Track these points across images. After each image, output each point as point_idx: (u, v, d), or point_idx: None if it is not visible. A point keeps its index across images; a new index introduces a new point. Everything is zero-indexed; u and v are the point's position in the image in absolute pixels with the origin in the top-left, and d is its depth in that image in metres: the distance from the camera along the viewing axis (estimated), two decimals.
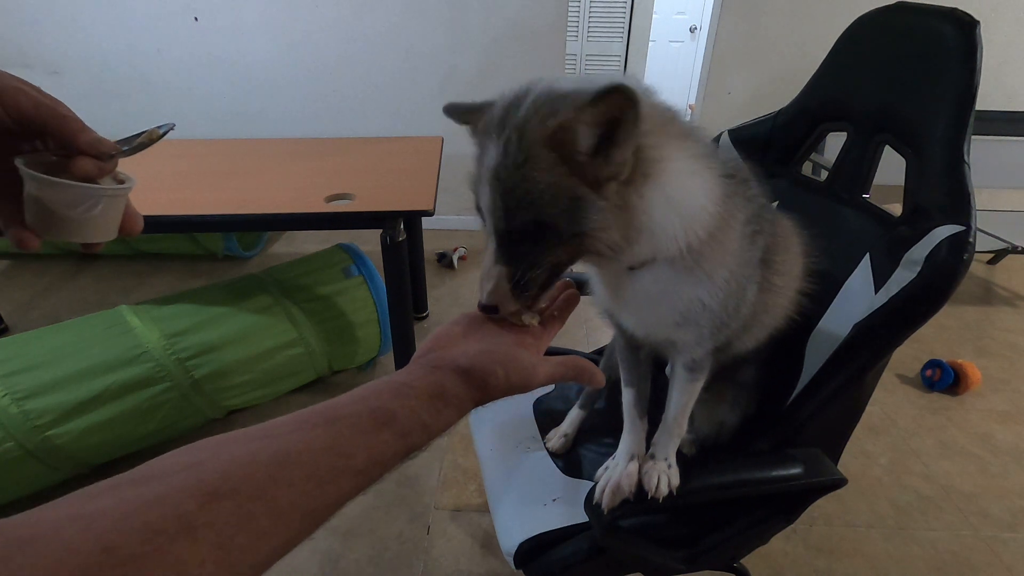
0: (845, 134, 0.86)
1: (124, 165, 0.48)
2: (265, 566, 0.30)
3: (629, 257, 0.56)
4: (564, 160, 0.48)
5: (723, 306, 0.63)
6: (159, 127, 0.50)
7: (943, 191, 0.68)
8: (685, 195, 0.55)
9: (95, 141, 0.43)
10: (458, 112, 0.59)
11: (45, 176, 0.41)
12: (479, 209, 0.54)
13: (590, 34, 5.37)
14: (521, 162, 0.48)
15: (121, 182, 0.47)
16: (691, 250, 0.57)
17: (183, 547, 0.25)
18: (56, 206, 0.43)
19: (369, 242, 1.78)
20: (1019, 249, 2.24)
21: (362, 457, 0.35)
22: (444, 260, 2.67)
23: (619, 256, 0.54)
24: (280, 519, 0.30)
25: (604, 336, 1.01)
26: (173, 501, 0.27)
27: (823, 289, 0.80)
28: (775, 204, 0.94)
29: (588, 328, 2.18)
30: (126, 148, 0.46)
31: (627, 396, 0.80)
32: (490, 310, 0.52)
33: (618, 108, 0.45)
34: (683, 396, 0.74)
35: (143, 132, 0.48)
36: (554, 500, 0.88)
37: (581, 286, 0.79)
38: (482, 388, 0.45)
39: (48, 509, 0.26)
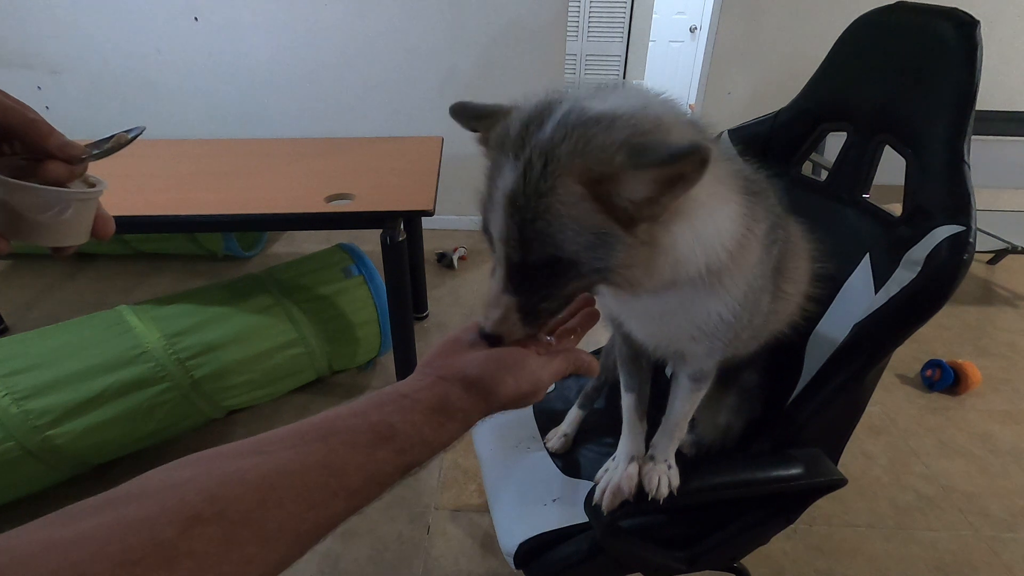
0: (845, 134, 0.86)
1: (109, 167, 0.48)
2: None
3: (647, 289, 0.52)
4: (596, 197, 0.44)
5: (739, 318, 0.61)
6: (128, 131, 0.49)
7: (943, 191, 0.68)
8: (710, 224, 0.51)
9: (64, 145, 0.43)
10: (466, 115, 0.54)
11: (14, 180, 0.41)
12: (487, 233, 0.49)
13: (590, 34, 5.37)
14: (544, 191, 0.43)
15: (92, 185, 0.47)
16: (711, 271, 0.54)
17: None
18: (25, 210, 0.42)
19: (369, 242, 1.78)
20: (1019, 249, 2.24)
21: (357, 476, 0.34)
22: (444, 260, 2.67)
23: (637, 290, 0.51)
24: (269, 543, 0.29)
25: (603, 335, 1.01)
26: (153, 526, 0.25)
27: (824, 289, 0.80)
28: None
29: None
30: (96, 152, 0.46)
31: (627, 400, 0.80)
32: (492, 340, 0.49)
33: (691, 169, 0.41)
34: (686, 405, 0.74)
35: (113, 136, 0.48)
36: (554, 500, 0.88)
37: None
38: (489, 398, 0.43)
39: (24, 533, 0.25)
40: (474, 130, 0.54)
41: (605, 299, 0.70)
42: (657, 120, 0.46)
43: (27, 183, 0.42)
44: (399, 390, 0.41)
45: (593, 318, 0.56)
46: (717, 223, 0.52)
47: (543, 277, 0.47)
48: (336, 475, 0.33)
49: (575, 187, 0.43)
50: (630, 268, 0.48)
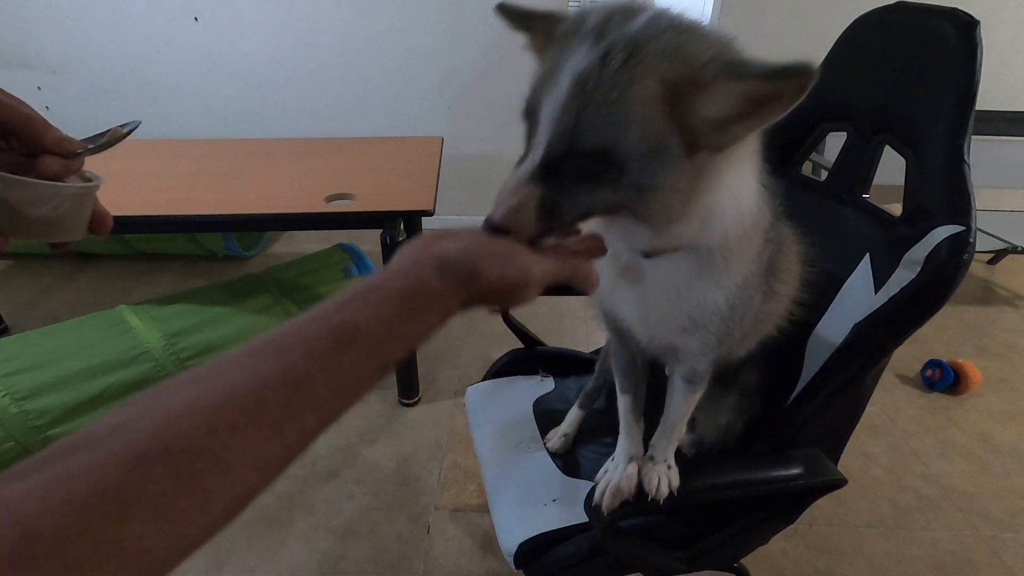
0: (845, 134, 0.86)
1: (108, 166, 0.48)
2: (224, 522, 0.27)
3: (669, 235, 0.50)
4: (672, 103, 0.41)
5: (732, 311, 0.61)
6: (123, 125, 0.49)
7: (943, 191, 0.68)
8: (744, 189, 0.52)
9: (60, 139, 0.43)
10: (517, 15, 0.50)
11: (10, 175, 0.41)
12: (530, 115, 0.45)
13: None
14: (622, 81, 0.41)
15: (88, 180, 0.47)
16: (724, 246, 0.54)
17: (114, 524, 0.23)
18: (23, 206, 0.42)
19: (369, 242, 1.78)
20: (1019, 249, 2.24)
21: (323, 388, 0.31)
22: None
23: (663, 227, 0.48)
24: (229, 474, 0.27)
25: (603, 336, 1.01)
26: (96, 473, 0.24)
27: (823, 289, 0.80)
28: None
29: (588, 328, 2.17)
30: (91, 147, 0.46)
31: (623, 402, 0.80)
32: (499, 230, 0.43)
33: (790, 92, 0.38)
34: (682, 406, 0.74)
35: (108, 131, 0.48)
36: (554, 500, 0.88)
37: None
38: (470, 282, 0.39)
39: None
40: (526, 30, 0.50)
41: (601, 288, 0.68)
42: (744, 54, 0.44)
43: (24, 178, 0.42)
44: (367, 283, 0.37)
45: (599, 247, 0.49)
46: (748, 191, 0.53)
47: (580, 175, 0.44)
48: (298, 389, 0.30)
49: (655, 86, 0.41)
50: (670, 194, 0.45)
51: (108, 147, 0.48)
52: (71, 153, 0.44)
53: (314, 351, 0.31)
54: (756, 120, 0.41)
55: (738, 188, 0.51)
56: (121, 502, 0.24)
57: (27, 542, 0.22)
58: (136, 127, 0.50)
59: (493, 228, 0.43)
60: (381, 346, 0.34)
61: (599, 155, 0.43)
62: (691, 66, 0.41)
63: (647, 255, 0.57)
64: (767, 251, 0.63)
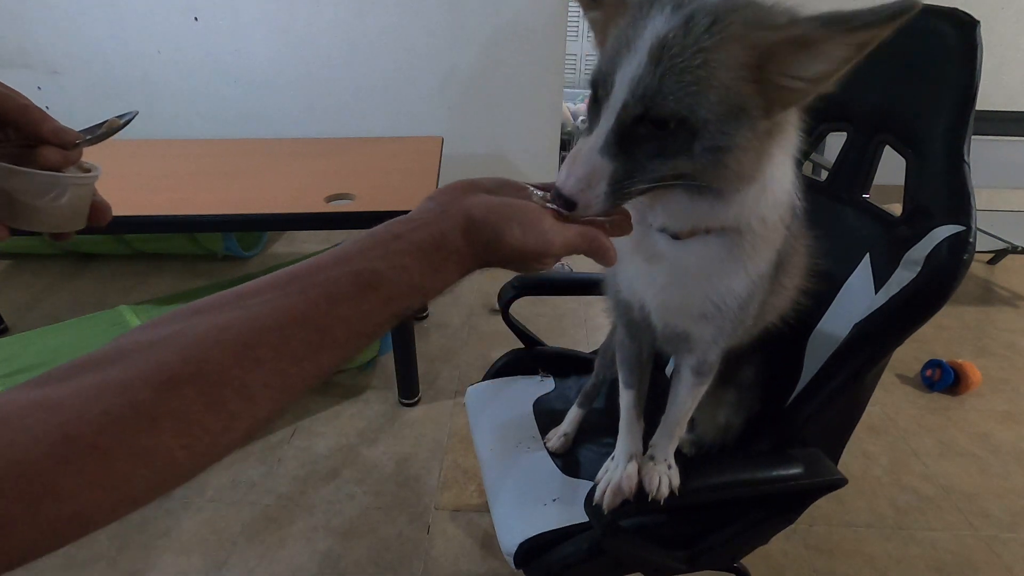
0: (845, 134, 0.86)
1: (108, 165, 0.48)
2: (243, 443, 0.29)
3: (724, 206, 0.50)
4: (753, 67, 0.42)
5: (750, 298, 0.61)
6: (120, 116, 0.50)
7: (943, 191, 0.68)
8: (786, 165, 0.53)
9: (58, 130, 0.43)
10: None
11: (9, 166, 0.42)
12: (601, 83, 0.45)
13: (590, 34, 5.38)
14: (706, 47, 0.41)
15: (87, 171, 0.47)
16: (760, 228, 0.55)
17: (145, 437, 0.25)
18: (22, 195, 0.43)
19: None
20: (1019, 249, 2.24)
21: (341, 329, 0.33)
22: None
23: (733, 191, 0.49)
24: (253, 399, 0.29)
25: (603, 336, 1.01)
26: (132, 389, 0.26)
27: (823, 289, 0.80)
28: None
29: (588, 328, 2.17)
30: (89, 137, 0.47)
31: (627, 397, 0.80)
32: (568, 204, 0.42)
33: (896, 26, 0.37)
34: (687, 400, 0.73)
35: (105, 122, 0.49)
36: (554, 500, 0.88)
37: (592, 286, 0.77)
38: (491, 246, 0.39)
39: (11, 393, 0.26)
40: (593, 3, 0.51)
41: (624, 272, 0.69)
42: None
43: (23, 168, 0.42)
44: (392, 229, 0.38)
45: (626, 223, 0.48)
46: (787, 172, 0.54)
47: (651, 144, 0.43)
48: (319, 330, 0.32)
49: (743, 53, 0.42)
50: (744, 154, 0.45)
51: (106, 138, 0.48)
52: (69, 143, 0.44)
53: (336, 294, 0.33)
54: (847, 67, 0.41)
55: (782, 165, 0.52)
56: (154, 418, 0.26)
57: (68, 444, 0.24)
58: (133, 117, 0.50)
59: (563, 201, 0.43)
60: (399, 295, 0.35)
61: (674, 120, 0.42)
62: (785, 28, 0.41)
63: (677, 236, 0.57)
64: (786, 243, 0.63)
